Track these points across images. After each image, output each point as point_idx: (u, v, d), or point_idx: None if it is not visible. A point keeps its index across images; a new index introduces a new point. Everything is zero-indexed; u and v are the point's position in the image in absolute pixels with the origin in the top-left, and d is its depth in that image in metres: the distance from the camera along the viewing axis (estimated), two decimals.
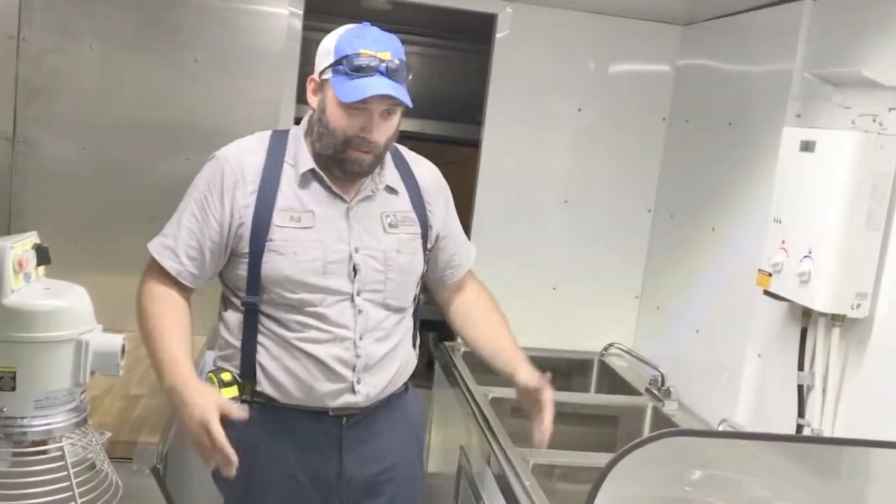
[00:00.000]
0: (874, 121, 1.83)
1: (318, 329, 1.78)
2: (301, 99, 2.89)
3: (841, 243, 1.77)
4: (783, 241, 1.92)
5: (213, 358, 1.90)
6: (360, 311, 1.80)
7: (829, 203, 1.79)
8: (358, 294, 1.80)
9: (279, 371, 1.79)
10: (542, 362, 2.89)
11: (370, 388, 1.82)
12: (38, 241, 1.44)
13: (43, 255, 1.42)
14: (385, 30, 1.79)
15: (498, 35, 2.86)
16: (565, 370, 2.98)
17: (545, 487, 1.92)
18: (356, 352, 1.80)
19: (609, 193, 2.98)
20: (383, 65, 1.67)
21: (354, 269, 1.79)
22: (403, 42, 1.76)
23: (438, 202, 1.96)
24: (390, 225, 1.86)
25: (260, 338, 1.79)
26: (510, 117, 2.90)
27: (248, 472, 1.81)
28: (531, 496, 1.77)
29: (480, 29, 2.94)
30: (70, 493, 1.35)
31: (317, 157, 1.78)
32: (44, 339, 1.33)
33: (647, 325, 2.97)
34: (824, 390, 1.91)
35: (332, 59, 1.70)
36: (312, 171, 1.80)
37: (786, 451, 1.70)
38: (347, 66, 1.67)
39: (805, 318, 1.95)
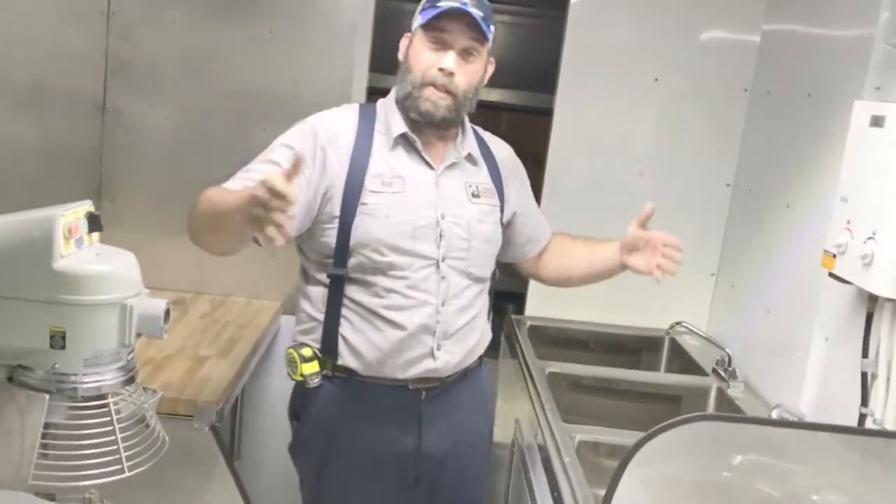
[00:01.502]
0: None
1: (402, 295, 1.80)
2: (374, 68, 2.94)
3: None
4: (848, 222, 1.83)
5: (293, 332, 1.94)
6: (443, 278, 1.83)
7: (895, 182, 1.68)
8: (443, 260, 1.83)
9: (362, 342, 1.81)
10: (611, 339, 2.91)
11: (449, 356, 1.84)
12: (91, 209, 1.52)
13: (95, 223, 1.51)
14: None
15: (573, 2, 2.80)
16: (635, 347, 2.94)
17: (590, 464, 1.91)
18: (437, 318, 1.82)
19: (686, 166, 2.89)
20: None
21: (440, 235, 1.82)
22: None
23: (513, 179, 2.01)
24: (473, 195, 1.89)
25: (343, 310, 1.82)
26: (584, 86, 2.84)
27: (328, 448, 1.85)
28: (568, 472, 1.76)
29: None
30: (116, 446, 1.44)
31: (406, 119, 1.83)
32: (90, 302, 1.41)
33: (721, 304, 2.89)
34: (888, 379, 1.81)
35: (420, 8, 1.79)
36: (404, 135, 1.83)
37: (838, 440, 1.64)
38: (430, 2, 1.76)
39: (871, 302, 1.85)
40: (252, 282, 2.97)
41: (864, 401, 1.89)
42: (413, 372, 1.82)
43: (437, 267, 1.82)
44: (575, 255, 2.12)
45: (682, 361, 2.79)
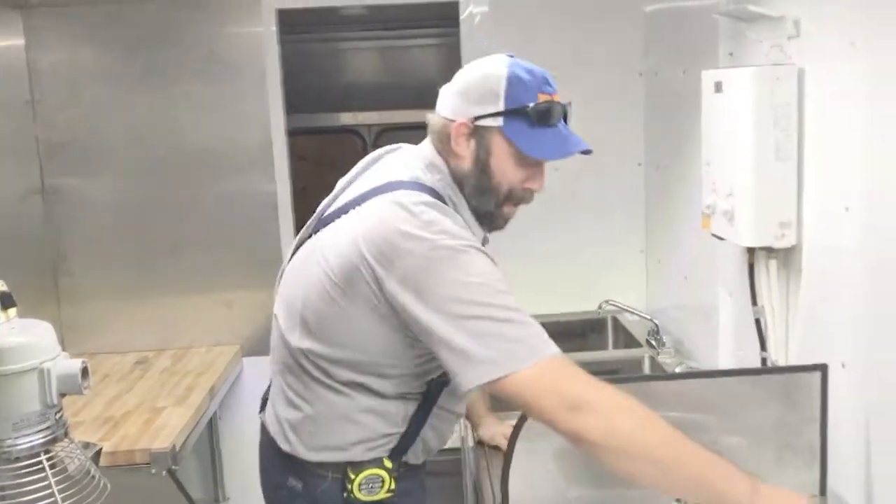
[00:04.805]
0: (781, 51, 1.84)
1: None
2: (291, 110, 3.09)
3: (754, 178, 1.79)
4: (713, 183, 1.96)
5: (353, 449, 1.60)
6: None
7: (739, 140, 1.81)
8: None
9: (435, 438, 1.67)
10: (555, 326, 3.01)
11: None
12: (3, 288, 1.66)
13: (7, 300, 1.63)
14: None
15: (462, 17, 2.96)
16: (580, 331, 3.07)
17: None
18: None
19: (598, 154, 2.97)
20: (562, 109, 1.53)
21: None
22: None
23: None
24: None
25: (431, 416, 1.62)
26: None
27: None
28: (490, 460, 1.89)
29: (452, 14, 3.04)
30: (53, 498, 1.58)
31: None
32: (8, 372, 1.54)
33: (652, 278, 3.02)
34: (774, 322, 1.94)
35: (500, 106, 1.49)
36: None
37: (731, 384, 1.77)
38: (534, 116, 1.48)
39: (750, 253, 1.98)
40: (212, 332, 3.11)
41: (763, 345, 2.01)
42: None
43: None
44: None
45: (625, 337, 2.91)
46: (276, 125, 2.98)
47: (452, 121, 1.53)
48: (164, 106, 2.97)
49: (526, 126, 1.49)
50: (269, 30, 2.94)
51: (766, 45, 1.90)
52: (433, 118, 1.58)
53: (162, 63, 2.94)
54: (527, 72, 1.52)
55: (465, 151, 1.53)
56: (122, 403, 2.52)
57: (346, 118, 3.99)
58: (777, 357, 1.95)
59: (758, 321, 2.01)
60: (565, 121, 1.54)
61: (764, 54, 1.91)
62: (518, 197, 1.56)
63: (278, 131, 2.99)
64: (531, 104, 1.49)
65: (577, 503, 1.69)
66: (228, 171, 3.05)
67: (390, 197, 1.45)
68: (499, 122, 1.50)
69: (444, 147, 1.55)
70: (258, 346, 3.00)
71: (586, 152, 1.55)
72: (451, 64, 3.24)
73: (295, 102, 3.15)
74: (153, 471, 2.17)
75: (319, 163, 3.73)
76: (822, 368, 1.62)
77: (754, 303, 2.01)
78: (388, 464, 1.57)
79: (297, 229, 3.03)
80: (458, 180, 1.55)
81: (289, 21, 3.00)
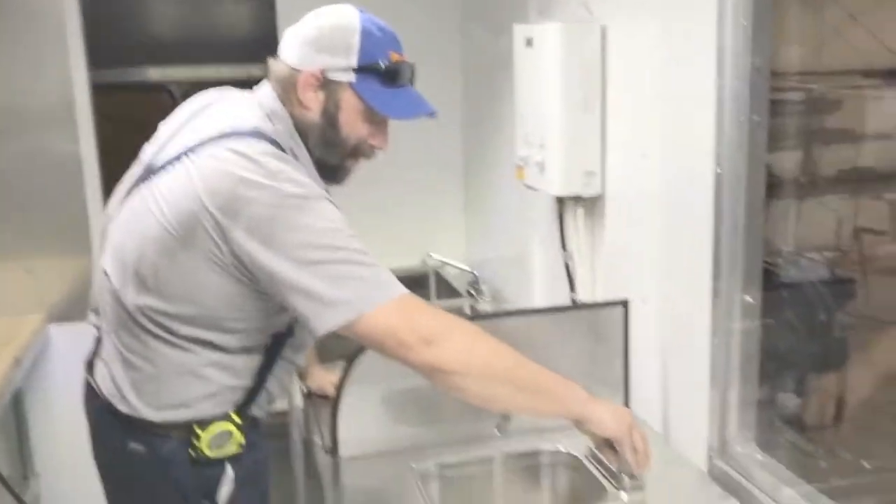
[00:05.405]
0: (586, 9, 1.96)
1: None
2: (95, 65, 2.92)
3: (562, 130, 1.91)
4: (526, 136, 2.06)
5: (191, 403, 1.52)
6: None
7: (549, 94, 1.92)
8: None
9: (278, 389, 1.61)
10: None
11: None
12: None
13: None
14: None
15: None
16: (404, 284, 3.12)
17: None
18: None
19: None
20: (411, 70, 1.52)
21: None
22: None
23: None
24: None
25: (275, 368, 1.56)
26: None
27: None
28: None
29: None
30: None
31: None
32: None
33: (472, 233, 3.13)
34: (580, 265, 2.08)
35: (353, 61, 1.46)
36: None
37: (539, 324, 1.88)
38: (385, 76, 1.47)
39: (559, 202, 2.10)
40: (12, 301, 2.90)
41: (572, 287, 2.16)
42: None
43: None
44: None
45: (447, 289, 3.01)
46: (78, 80, 2.79)
47: (299, 70, 1.46)
48: None
49: (377, 83, 1.47)
50: None
51: (575, 4, 2.01)
52: (276, 64, 1.51)
53: None
54: (378, 29, 1.49)
55: (313, 103, 1.48)
56: None
57: (154, 73, 3.80)
58: (585, 296, 2.10)
59: (567, 265, 2.16)
60: (411, 82, 1.54)
61: (571, 12, 2.02)
62: (363, 152, 1.55)
63: (81, 87, 2.80)
64: (383, 63, 1.47)
65: (404, 441, 1.75)
66: (26, 130, 2.81)
67: (231, 145, 1.39)
68: (350, 77, 1.46)
69: (288, 96, 1.49)
70: (66, 313, 2.84)
71: (432, 115, 1.56)
72: (266, 17, 3.21)
73: (99, 57, 2.96)
74: None
75: (126, 121, 3.54)
76: (624, 304, 1.77)
77: (564, 248, 2.15)
78: (236, 418, 1.53)
79: (106, 190, 2.91)
80: (302, 131, 1.50)
81: None
